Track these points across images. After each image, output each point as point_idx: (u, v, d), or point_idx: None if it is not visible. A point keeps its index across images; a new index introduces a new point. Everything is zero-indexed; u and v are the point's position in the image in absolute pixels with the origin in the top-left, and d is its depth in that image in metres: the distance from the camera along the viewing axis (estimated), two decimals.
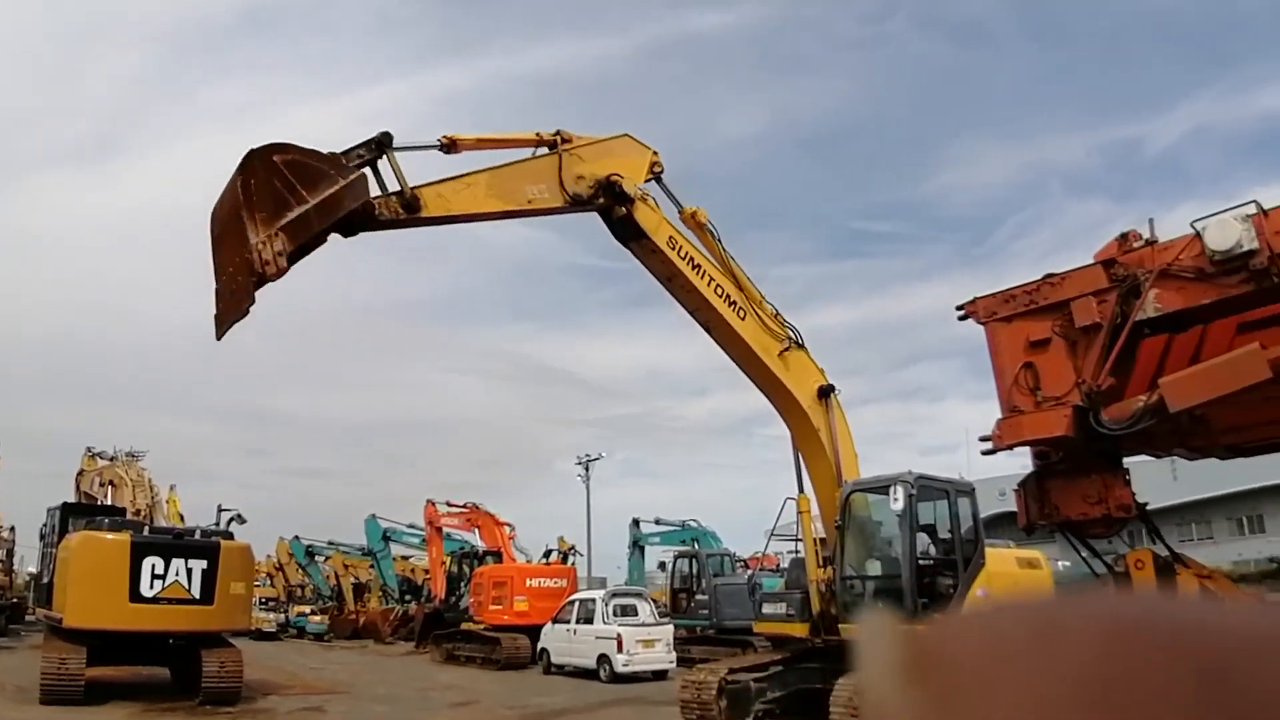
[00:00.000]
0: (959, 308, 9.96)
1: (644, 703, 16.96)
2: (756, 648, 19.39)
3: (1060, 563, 19.82)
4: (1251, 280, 8.12)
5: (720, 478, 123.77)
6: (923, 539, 11.76)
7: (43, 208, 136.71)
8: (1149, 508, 10.07)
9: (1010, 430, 9.31)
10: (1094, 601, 0.44)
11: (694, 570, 26.59)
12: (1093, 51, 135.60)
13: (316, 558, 44.90)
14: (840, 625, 11.57)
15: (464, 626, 26.81)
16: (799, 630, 12.44)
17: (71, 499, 25.94)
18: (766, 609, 13.40)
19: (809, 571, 12.42)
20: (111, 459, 29.96)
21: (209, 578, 15.94)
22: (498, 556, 30.30)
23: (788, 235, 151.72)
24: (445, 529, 34.65)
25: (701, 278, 11.99)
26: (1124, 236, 9.06)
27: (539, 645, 22.87)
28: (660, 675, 20.33)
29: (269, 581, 45.41)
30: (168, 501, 29.66)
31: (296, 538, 44.85)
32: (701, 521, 35.19)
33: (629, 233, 11.85)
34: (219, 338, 8.89)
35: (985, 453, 9.70)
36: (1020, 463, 10.96)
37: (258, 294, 8.81)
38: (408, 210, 10.04)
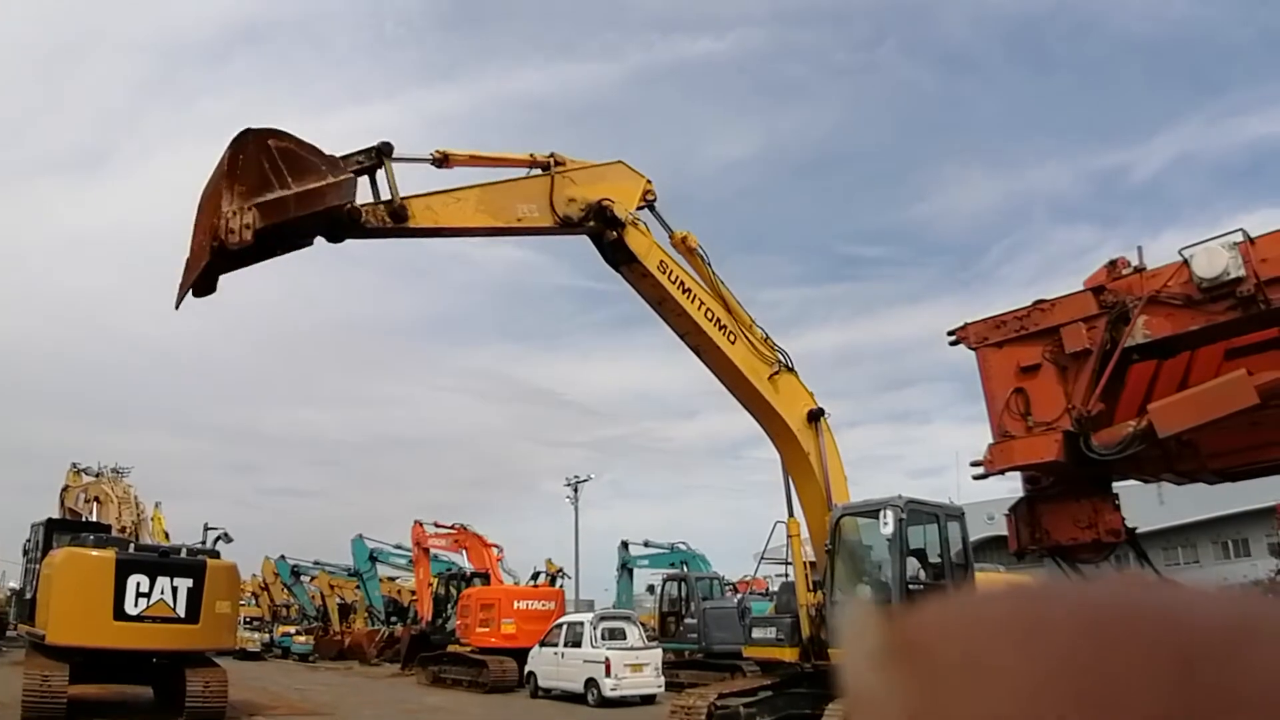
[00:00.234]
0: (950, 333, 10.02)
1: None
2: (746, 672, 19.29)
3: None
4: (1238, 307, 8.22)
5: (709, 500, 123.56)
6: (913, 563, 11.78)
7: (29, 218, 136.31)
8: (1137, 532, 10.11)
9: (1001, 455, 9.35)
10: (1074, 590, 0.44)
11: (683, 594, 26.47)
12: (1078, 79, 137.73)
13: (302, 578, 44.53)
14: (830, 650, 11.53)
15: (450, 649, 26.60)
16: (789, 655, 12.41)
17: (56, 514, 25.69)
18: (756, 633, 13.37)
19: (799, 595, 12.41)
20: (97, 475, 29.72)
21: (194, 596, 15.79)
22: (485, 578, 30.09)
23: (777, 259, 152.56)
24: (432, 550, 34.43)
25: (692, 302, 12.05)
26: (1113, 263, 9.16)
27: (526, 668, 22.69)
28: (648, 700, 20.19)
29: (254, 601, 45.02)
30: (152, 519, 29.37)
31: (282, 557, 44.50)
32: (690, 544, 35.13)
33: (620, 257, 11.91)
34: (176, 306, 8.93)
35: (976, 477, 9.74)
36: (1009, 487, 11.00)
37: (225, 278, 8.84)
38: (395, 219, 10.06)
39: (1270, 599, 0.40)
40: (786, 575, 13.77)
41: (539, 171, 11.52)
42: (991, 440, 9.51)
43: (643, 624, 23.47)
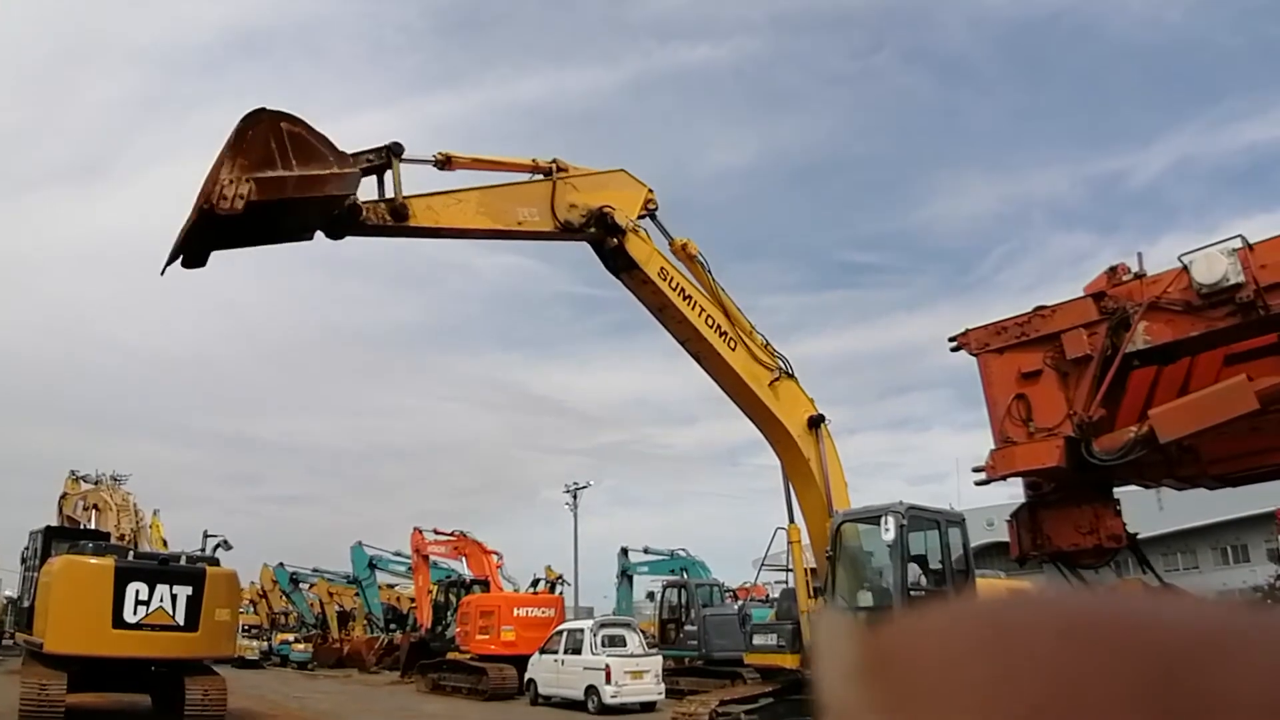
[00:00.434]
0: (951, 339, 10.05)
1: None
2: (746, 679, 19.25)
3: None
4: (1238, 313, 8.26)
5: (708, 506, 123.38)
6: (914, 569, 11.77)
7: (28, 228, 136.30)
8: (1138, 538, 10.13)
9: (1003, 461, 9.37)
10: (1047, 600, 0.44)
11: (683, 600, 26.43)
12: (1076, 85, 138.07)
13: (301, 585, 44.43)
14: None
15: (450, 656, 26.52)
16: (790, 661, 12.40)
17: (54, 522, 25.63)
18: (757, 640, 13.35)
19: (800, 602, 12.40)
20: (95, 483, 29.65)
21: (194, 604, 15.75)
22: (485, 585, 30.04)
23: (775, 266, 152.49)
24: (432, 557, 34.39)
25: (692, 308, 12.06)
26: (1113, 270, 9.20)
27: (526, 675, 22.62)
28: (649, 707, 20.14)
29: (252, 609, 44.83)
30: (151, 526, 29.30)
31: (281, 564, 44.40)
32: (690, 551, 35.08)
33: (621, 264, 11.94)
34: (161, 271, 8.89)
35: (979, 483, 9.76)
36: (1009, 493, 11.03)
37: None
38: (395, 218, 10.08)
39: (1244, 608, 0.40)
40: (787, 582, 13.74)
41: (541, 177, 11.55)
42: (993, 446, 9.54)
43: (643, 631, 23.41)
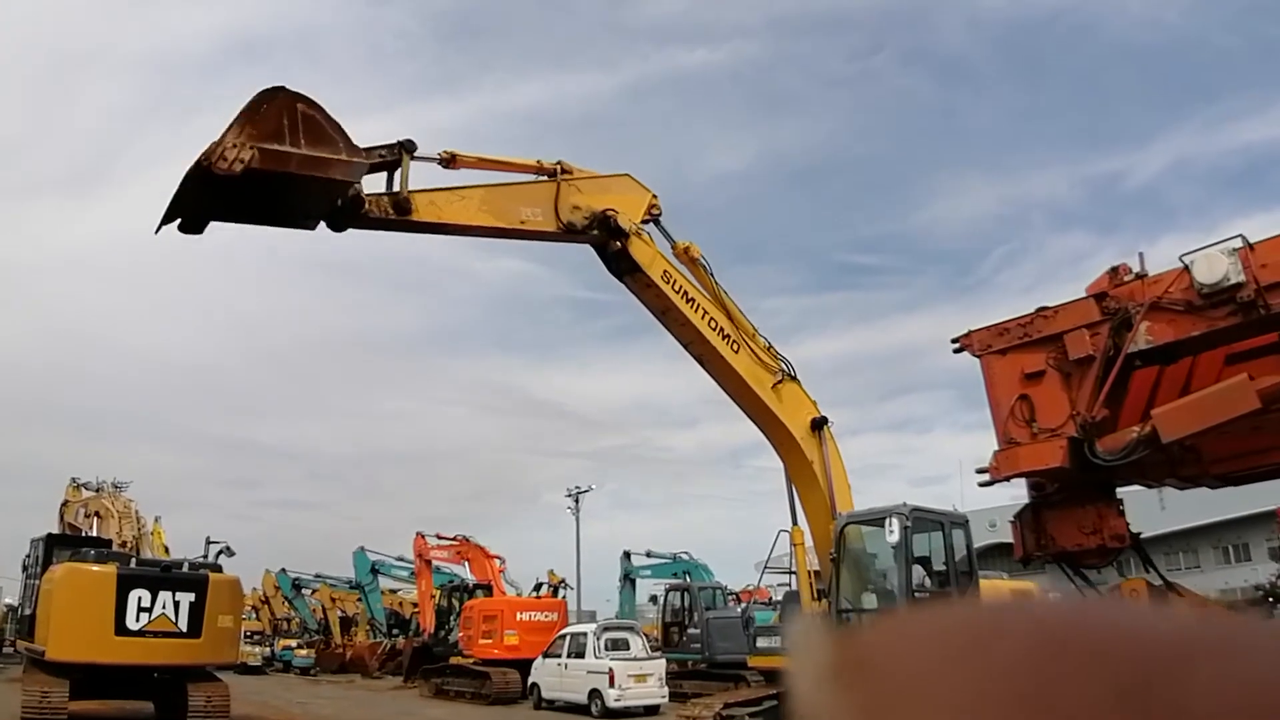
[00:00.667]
0: (953, 340, 10.06)
1: None
2: (750, 682, 19.25)
3: (1053, 594, 19.78)
4: (1239, 312, 8.26)
5: (710, 509, 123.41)
6: (918, 571, 11.75)
7: (25, 235, 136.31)
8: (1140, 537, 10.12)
9: (1007, 462, 9.37)
10: (1024, 609, 0.44)
11: (686, 604, 26.43)
12: (1074, 86, 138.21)
13: (303, 591, 44.36)
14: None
15: (453, 661, 26.52)
16: None
17: (55, 530, 25.58)
18: (761, 643, 13.35)
19: (804, 604, 12.37)
20: (97, 490, 29.58)
21: (197, 611, 15.74)
22: (488, 590, 30.02)
23: (775, 268, 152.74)
24: (434, 562, 34.35)
25: (696, 311, 12.05)
26: (1114, 270, 9.21)
27: (529, 680, 22.62)
28: (652, 710, 20.13)
29: (255, 615, 44.79)
30: (152, 533, 29.25)
31: (283, 570, 44.34)
32: (693, 554, 35.05)
33: (624, 267, 11.93)
34: (155, 230, 8.86)
35: (982, 484, 9.76)
36: (1011, 494, 11.01)
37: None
38: (398, 211, 10.08)
39: (1217, 618, 0.40)
40: (790, 584, 13.73)
41: (545, 178, 11.57)
42: (996, 447, 9.54)
43: (646, 634, 23.39)
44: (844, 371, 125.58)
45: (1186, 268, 8.51)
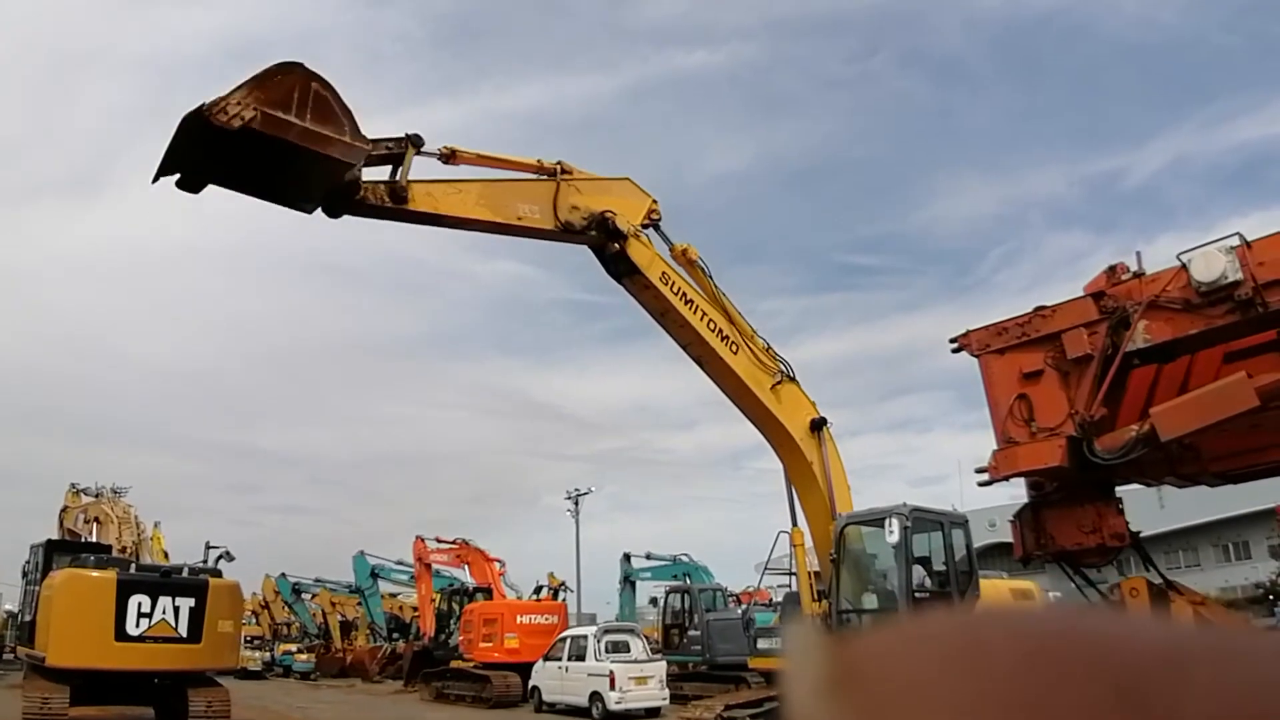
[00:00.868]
0: (952, 340, 10.06)
1: None
2: (751, 684, 19.25)
3: (1053, 593, 19.80)
4: (1237, 310, 8.27)
5: (710, 511, 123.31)
6: (918, 571, 11.75)
7: (24, 240, 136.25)
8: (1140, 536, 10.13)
9: (1006, 461, 9.37)
10: (1016, 618, 0.44)
11: (686, 606, 26.42)
12: (1071, 86, 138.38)
13: (303, 595, 44.35)
14: None
15: (454, 664, 26.48)
16: None
17: (55, 536, 25.54)
18: (761, 644, 13.34)
19: (804, 606, 12.37)
20: (96, 495, 29.53)
21: (197, 616, 15.73)
22: (488, 593, 30.00)
23: (774, 269, 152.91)
24: (434, 565, 34.32)
25: (694, 313, 12.06)
26: (1112, 269, 9.21)
27: (530, 683, 22.61)
28: (653, 713, 20.11)
29: (254, 619, 44.78)
30: (152, 539, 29.20)
31: (283, 575, 44.32)
32: (693, 556, 35.03)
33: (622, 269, 11.94)
34: (152, 180, 8.86)
35: (982, 484, 9.76)
36: (1010, 494, 11.02)
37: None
38: (394, 199, 10.08)
39: (1210, 625, 0.40)
40: (791, 586, 13.72)
41: (545, 177, 11.57)
42: (995, 447, 9.54)
43: (646, 637, 23.37)
44: (843, 372, 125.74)
45: (1184, 266, 8.52)
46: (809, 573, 12.53)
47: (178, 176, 9.04)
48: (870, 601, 11.97)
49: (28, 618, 18.83)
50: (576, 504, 57.53)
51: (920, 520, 11.66)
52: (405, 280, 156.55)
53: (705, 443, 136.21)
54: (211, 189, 9.37)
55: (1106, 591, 10.13)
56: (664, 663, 21.89)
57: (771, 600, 27.30)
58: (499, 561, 31.99)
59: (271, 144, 8.79)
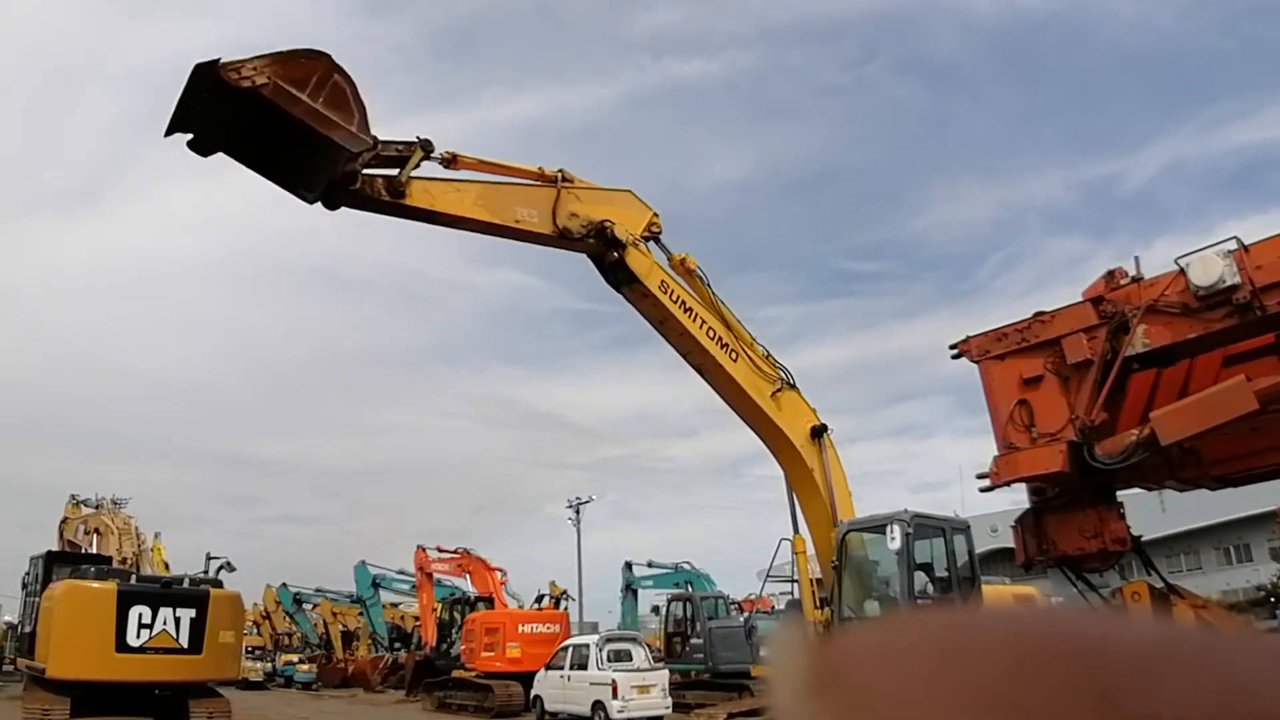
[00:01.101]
0: (952, 346, 10.07)
1: None
2: (753, 691, 19.20)
3: (1055, 598, 19.77)
4: (1235, 314, 8.29)
5: (711, 519, 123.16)
6: (920, 578, 11.73)
7: (24, 253, 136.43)
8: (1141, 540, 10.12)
9: (1007, 467, 9.38)
10: (999, 619, 0.45)
11: (688, 614, 26.34)
12: (1068, 90, 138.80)
13: (304, 605, 44.27)
14: None
15: (455, 674, 26.40)
16: None
17: (55, 547, 25.52)
18: (764, 651, 13.27)
19: (806, 613, 12.35)
20: (96, 506, 29.52)
21: (198, 626, 15.71)
22: (489, 602, 29.96)
23: (773, 277, 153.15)
24: (436, 575, 34.27)
25: (693, 321, 12.07)
26: (1111, 274, 9.23)
27: (532, 692, 22.50)
28: None
29: (256, 630, 44.66)
30: (152, 549, 29.19)
31: (284, 585, 44.25)
32: (694, 563, 34.98)
33: (621, 277, 11.95)
34: (165, 133, 8.95)
35: (983, 490, 9.76)
36: (1012, 499, 11.02)
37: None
38: (391, 193, 10.14)
39: (1192, 628, 0.41)
40: (793, 593, 13.68)
41: (547, 184, 11.61)
42: (996, 452, 9.54)
43: (648, 645, 23.31)
44: (843, 379, 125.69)
45: (1182, 270, 8.54)
46: (811, 580, 12.51)
47: (190, 138, 9.17)
48: (873, 608, 11.94)
49: (28, 629, 18.81)
50: (578, 513, 57.36)
51: (922, 526, 11.65)
52: (406, 290, 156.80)
53: (706, 450, 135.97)
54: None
55: (1108, 596, 10.12)
56: (666, 671, 21.80)
57: (773, 607, 27.26)
58: (500, 570, 31.96)
59: (277, 117, 8.94)
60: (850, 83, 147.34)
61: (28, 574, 20.89)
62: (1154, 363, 9.01)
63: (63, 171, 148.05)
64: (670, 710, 20.31)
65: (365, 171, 9.98)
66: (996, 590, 12.80)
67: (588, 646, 21.31)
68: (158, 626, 15.41)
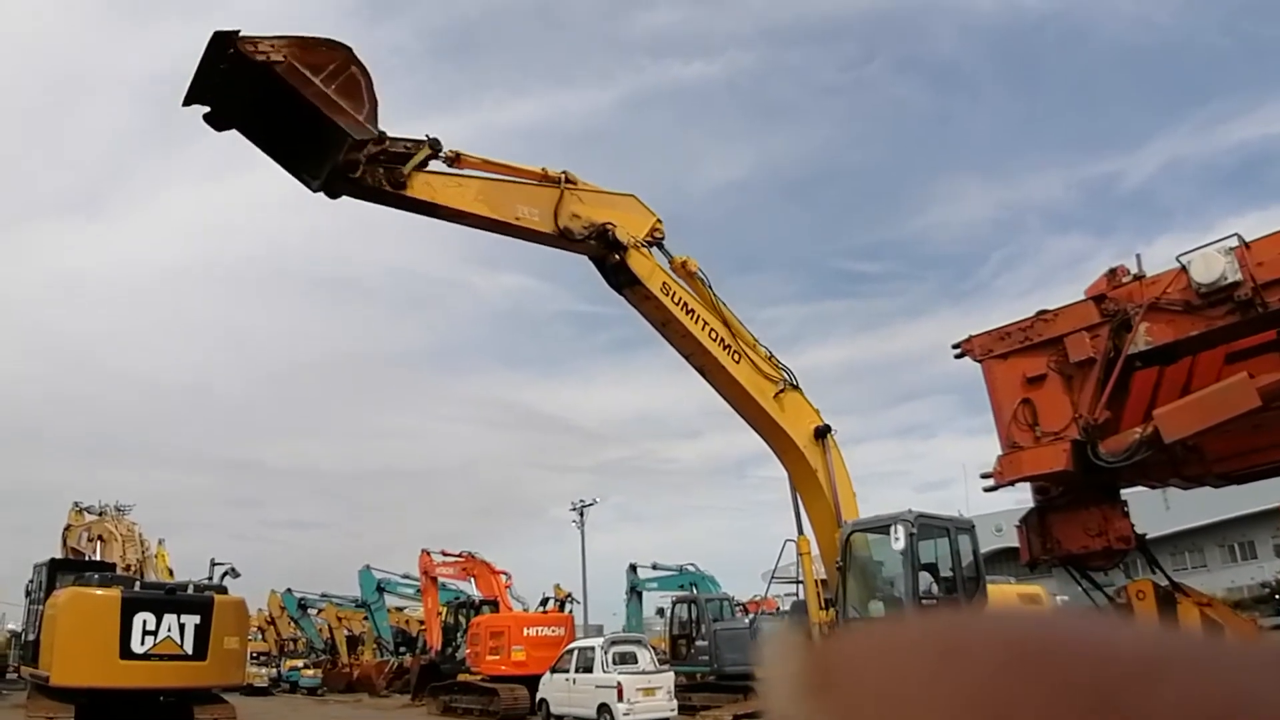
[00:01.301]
0: (955, 346, 10.06)
1: None
2: (759, 693, 19.12)
3: (1060, 597, 19.74)
4: (1237, 311, 8.28)
5: (715, 520, 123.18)
6: (925, 578, 11.71)
7: (26, 260, 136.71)
8: (1145, 538, 10.10)
9: (1010, 466, 9.37)
10: (994, 621, 0.45)
11: (693, 615, 26.31)
12: (1067, 89, 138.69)
13: (309, 610, 44.26)
14: None
15: (461, 678, 26.39)
16: None
17: (58, 555, 25.55)
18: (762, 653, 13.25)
19: (811, 614, 12.33)
20: (100, 513, 29.54)
21: (202, 633, 15.71)
22: (494, 606, 29.92)
23: (774, 278, 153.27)
24: (440, 579, 34.23)
25: (695, 322, 12.05)
26: (1113, 272, 9.22)
27: (538, 695, 22.47)
28: None
29: (260, 635, 44.67)
30: (156, 556, 29.21)
31: (289, 590, 44.24)
32: (699, 565, 34.94)
33: (623, 280, 11.94)
34: (183, 103, 9.06)
35: (987, 489, 9.75)
36: (1016, 498, 11.01)
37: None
38: (391, 183, 10.16)
39: (1186, 633, 0.41)
40: (798, 594, 13.65)
41: (550, 184, 11.61)
42: (1000, 452, 9.53)
43: (654, 647, 23.27)
44: (846, 379, 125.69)
45: (1184, 268, 8.53)
46: (816, 581, 12.49)
47: (207, 111, 9.27)
48: (877, 609, 11.92)
49: (31, 637, 18.83)
50: (582, 515, 57.29)
51: (926, 526, 11.63)
52: (409, 294, 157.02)
53: (709, 452, 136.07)
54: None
55: (1113, 594, 10.10)
56: (672, 673, 21.77)
57: (778, 609, 27.22)
58: (505, 574, 31.92)
59: (290, 99, 9.04)
60: (850, 83, 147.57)
61: (31, 581, 20.91)
62: (1156, 360, 8.99)
63: (65, 178, 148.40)
64: (676, 712, 20.27)
65: (366, 162, 10.03)
66: (1002, 590, 12.76)
67: (593, 649, 21.28)
68: (162, 633, 15.41)
